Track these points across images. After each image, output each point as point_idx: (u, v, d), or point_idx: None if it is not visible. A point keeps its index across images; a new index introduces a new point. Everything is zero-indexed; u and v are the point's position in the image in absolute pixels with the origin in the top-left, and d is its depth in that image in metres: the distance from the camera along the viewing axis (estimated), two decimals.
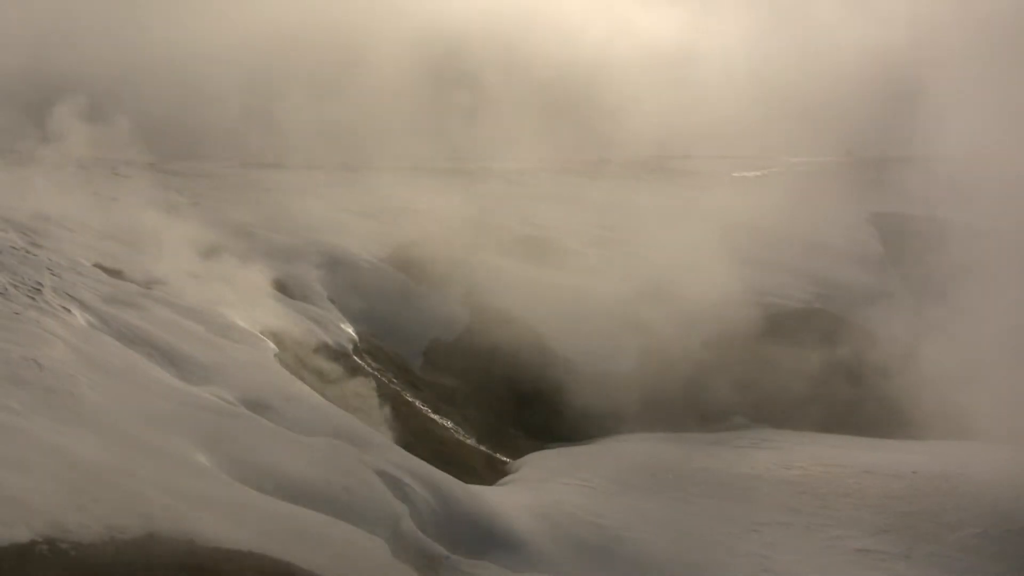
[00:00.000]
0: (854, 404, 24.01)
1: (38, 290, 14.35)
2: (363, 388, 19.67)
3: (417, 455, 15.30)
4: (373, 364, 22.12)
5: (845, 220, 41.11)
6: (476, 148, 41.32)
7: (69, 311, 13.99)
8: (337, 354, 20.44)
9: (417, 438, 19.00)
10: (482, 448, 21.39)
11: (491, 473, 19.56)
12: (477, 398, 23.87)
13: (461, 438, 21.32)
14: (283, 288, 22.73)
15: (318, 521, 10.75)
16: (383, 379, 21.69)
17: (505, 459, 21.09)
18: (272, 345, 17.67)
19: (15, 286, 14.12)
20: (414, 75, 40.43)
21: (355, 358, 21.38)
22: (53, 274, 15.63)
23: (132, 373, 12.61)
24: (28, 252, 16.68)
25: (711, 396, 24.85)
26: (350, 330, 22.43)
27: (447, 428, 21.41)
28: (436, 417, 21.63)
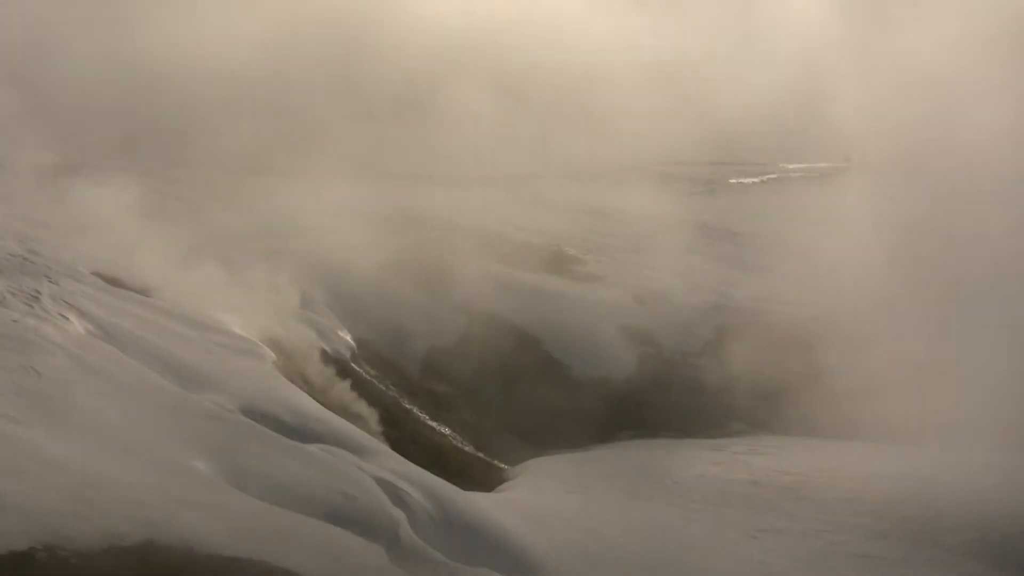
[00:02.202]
0: (852, 410, 23.98)
1: (36, 298, 14.33)
2: (361, 395, 19.66)
3: (415, 462, 15.29)
4: (371, 371, 22.12)
5: (843, 226, 41.14)
6: (473, 155, 41.32)
7: (67, 319, 13.98)
8: (335, 361, 20.44)
9: (415, 445, 19.00)
10: (480, 455, 21.38)
11: (489, 480, 19.55)
12: (475, 405, 23.87)
13: (459, 445, 21.30)
14: (281, 295, 22.71)
15: (316, 528, 10.74)
16: (381, 386, 21.69)
17: (503, 466, 21.08)
18: (270, 352, 17.65)
19: (13, 294, 14.11)
20: (410, 82, 40.50)
21: (353, 365, 21.37)
22: (51, 282, 15.61)
23: (130, 381, 12.59)
24: (26, 260, 16.67)
25: (709, 402, 24.84)
26: (348, 337, 22.42)
27: (445, 435, 21.40)
28: (434, 424, 21.61)
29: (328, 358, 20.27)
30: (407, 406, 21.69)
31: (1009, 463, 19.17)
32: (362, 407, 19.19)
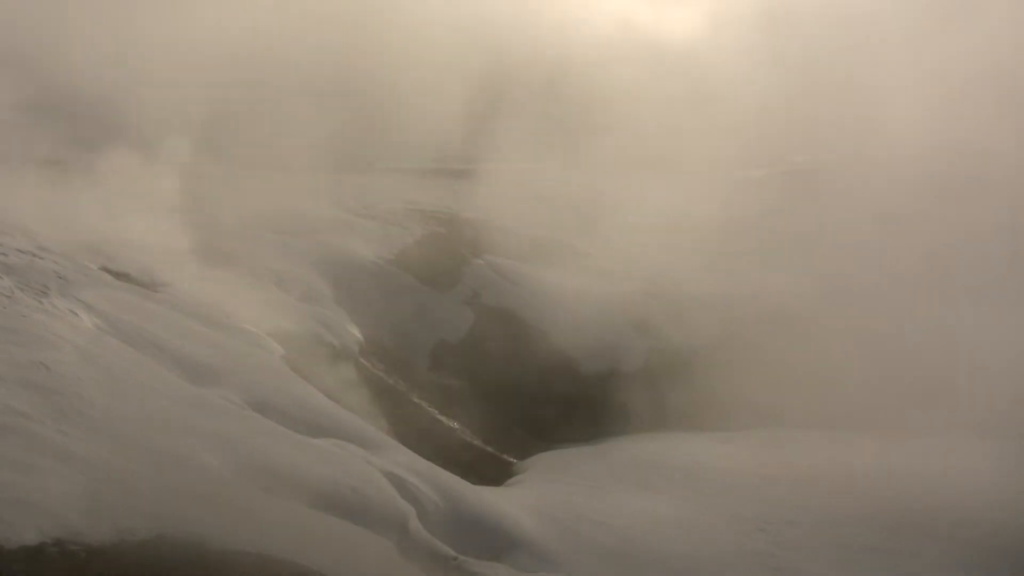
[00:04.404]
0: (860, 402, 23.93)
1: (45, 293, 14.35)
2: (369, 389, 19.68)
3: (423, 456, 15.29)
4: (379, 365, 22.13)
5: (848, 218, 40.97)
6: (480, 148, 41.27)
7: (76, 314, 13.99)
8: (343, 355, 20.45)
9: (423, 439, 19.01)
10: (489, 449, 21.38)
11: (498, 474, 19.56)
12: (483, 399, 23.87)
13: (468, 439, 21.31)
14: (289, 290, 22.74)
15: (326, 522, 10.74)
16: (389, 380, 21.70)
17: (512, 459, 21.08)
18: (278, 347, 17.67)
19: (22, 289, 14.12)
20: (418, 74, 40.44)
21: (361, 359, 21.39)
22: (60, 277, 15.63)
23: (139, 376, 12.60)
24: (34, 255, 16.69)
25: (718, 395, 24.79)
26: (356, 332, 22.43)
27: (453, 429, 21.41)
28: (442, 418, 21.63)
29: (336, 352, 20.29)
30: (415, 400, 21.70)
31: (1018, 455, 19.12)
32: (370, 401, 19.22)
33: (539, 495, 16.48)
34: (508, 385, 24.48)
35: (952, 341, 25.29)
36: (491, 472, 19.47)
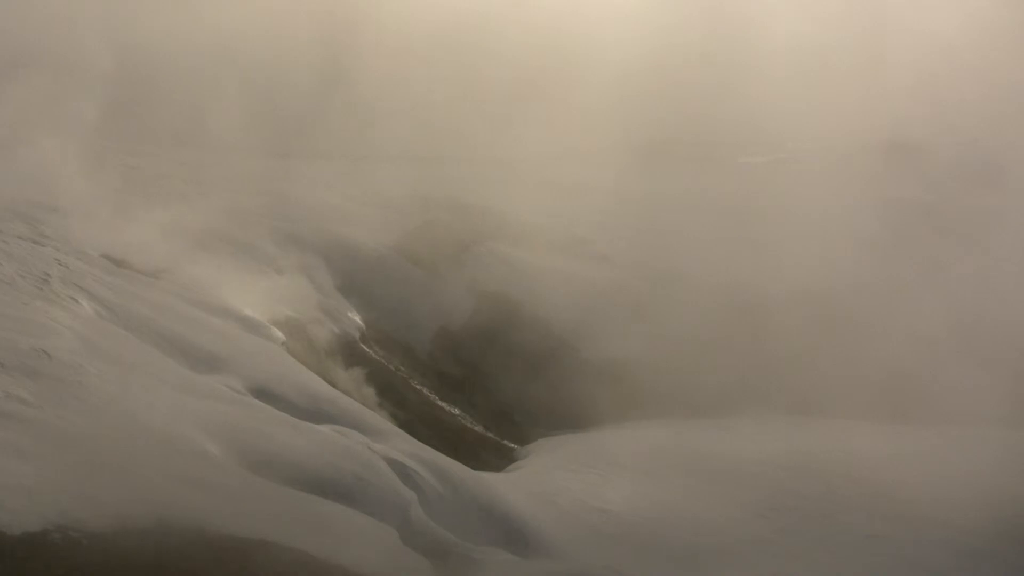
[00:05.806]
0: (860, 390, 23.94)
1: (46, 280, 14.34)
2: (370, 376, 19.70)
3: (424, 442, 15.32)
4: (380, 351, 22.14)
5: (852, 205, 40.88)
6: (481, 136, 41.20)
7: (77, 301, 13.98)
8: (344, 342, 20.47)
9: (424, 425, 19.05)
10: (489, 435, 21.42)
11: (499, 460, 19.59)
12: (484, 385, 23.90)
13: (468, 425, 21.35)
14: (290, 277, 22.74)
15: (327, 509, 10.76)
16: (390, 366, 21.72)
17: (512, 446, 21.12)
18: (280, 334, 17.68)
19: (23, 276, 14.11)
20: (418, 62, 40.36)
21: (362, 346, 21.41)
22: (60, 264, 15.62)
23: (141, 363, 12.60)
24: (35, 242, 16.68)
25: (719, 382, 24.80)
26: (357, 318, 22.45)
27: (454, 415, 21.45)
28: (443, 404, 21.66)
29: (337, 339, 20.30)
30: (416, 387, 21.73)
31: (1012, 441, 19.17)
32: (371, 388, 19.25)
33: (540, 481, 16.52)
34: (509, 372, 24.50)
35: (955, 331, 25.29)
36: (492, 458, 19.52)
